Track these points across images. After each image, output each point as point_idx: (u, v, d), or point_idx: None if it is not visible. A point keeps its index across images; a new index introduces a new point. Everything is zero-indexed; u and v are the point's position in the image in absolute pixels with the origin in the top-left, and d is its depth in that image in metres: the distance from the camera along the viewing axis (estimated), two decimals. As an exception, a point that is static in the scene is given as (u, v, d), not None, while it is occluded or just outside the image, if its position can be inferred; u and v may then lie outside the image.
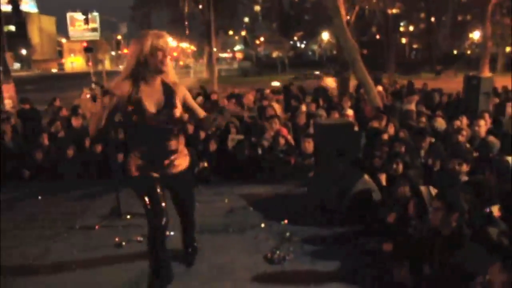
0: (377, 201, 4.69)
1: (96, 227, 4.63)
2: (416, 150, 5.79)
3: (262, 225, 4.55)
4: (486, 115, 6.86)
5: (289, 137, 6.92)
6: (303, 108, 9.01)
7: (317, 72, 27.27)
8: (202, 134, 7.00)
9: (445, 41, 42.69)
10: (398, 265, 3.39)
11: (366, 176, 4.87)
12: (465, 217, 3.36)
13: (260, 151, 6.61)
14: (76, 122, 7.66)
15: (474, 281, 2.71)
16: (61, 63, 70.45)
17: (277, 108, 8.72)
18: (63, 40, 70.94)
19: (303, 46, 63.08)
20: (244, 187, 5.80)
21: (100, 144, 6.51)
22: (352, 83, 13.93)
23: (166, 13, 38.94)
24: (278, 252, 3.87)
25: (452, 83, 17.83)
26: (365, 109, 9.19)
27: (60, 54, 73.54)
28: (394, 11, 31.11)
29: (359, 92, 10.97)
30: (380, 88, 11.07)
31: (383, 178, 5.03)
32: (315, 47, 61.84)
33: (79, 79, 29.15)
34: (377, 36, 39.16)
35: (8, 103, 13.22)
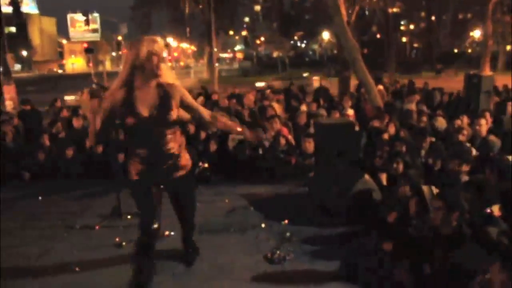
0: (377, 200, 4.68)
1: (97, 227, 4.63)
2: (417, 149, 5.78)
3: (263, 225, 4.55)
4: (487, 114, 6.84)
5: (290, 137, 6.92)
6: (304, 108, 9.01)
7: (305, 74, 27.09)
8: (203, 134, 7.00)
9: (445, 39, 42.63)
10: (398, 265, 3.39)
11: (366, 176, 4.87)
12: (466, 216, 3.36)
13: (260, 151, 6.60)
14: (77, 122, 7.68)
15: (474, 281, 2.71)
16: (62, 64, 70.56)
17: (277, 108, 8.71)
18: (64, 41, 71.07)
19: (303, 45, 63.06)
20: (244, 187, 5.79)
21: (101, 145, 6.52)
22: (353, 82, 13.92)
23: (166, 14, 38.99)
24: (278, 252, 3.87)
25: (452, 82, 17.80)
26: (366, 109, 9.18)
27: (61, 55, 73.67)
28: (395, 10, 31.07)
29: (360, 91, 10.95)
30: (380, 87, 11.05)
31: (383, 177, 5.02)
32: (315, 46, 61.81)
33: (80, 80, 29.18)
34: (378, 35, 39.09)
35: (9, 104, 13.27)
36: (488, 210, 3.62)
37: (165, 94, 3.04)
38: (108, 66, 51.39)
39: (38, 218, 5.00)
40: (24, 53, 61.47)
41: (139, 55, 2.90)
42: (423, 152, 5.76)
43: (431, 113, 8.34)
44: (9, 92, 13.66)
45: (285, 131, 6.98)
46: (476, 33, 40.09)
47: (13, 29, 54.20)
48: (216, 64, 26.63)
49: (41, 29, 67.24)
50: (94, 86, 2.98)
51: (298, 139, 6.84)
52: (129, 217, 4.79)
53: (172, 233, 4.24)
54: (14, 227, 4.69)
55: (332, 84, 15.55)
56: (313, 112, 8.49)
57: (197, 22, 35.37)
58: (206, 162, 6.28)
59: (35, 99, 11.03)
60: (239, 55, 61.93)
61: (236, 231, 4.43)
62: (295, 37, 54.75)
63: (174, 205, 3.45)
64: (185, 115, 3.27)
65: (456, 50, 46.93)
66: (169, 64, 43.64)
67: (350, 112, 8.77)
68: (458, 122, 6.87)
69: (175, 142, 3.14)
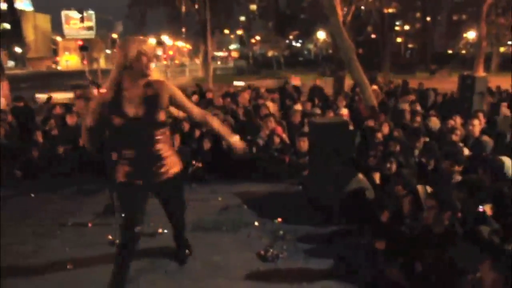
0: (370, 199, 4.70)
1: (89, 224, 4.62)
2: (411, 149, 5.80)
3: (256, 223, 4.55)
4: (480, 115, 6.88)
5: (284, 136, 6.93)
6: (298, 107, 9.02)
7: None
8: (197, 132, 6.99)
9: (440, 40, 42.83)
10: (391, 263, 3.40)
11: (360, 175, 4.88)
12: (458, 215, 3.38)
13: (254, 150, 6.60)
14: (70, 120, 7.63)
15: (465, 279, 2.73)
16: (56, 61, 70.18)
17: (272, 107, 8.72)
18: (58, 38, 70.69)
19: (298, 45, 63.10)
20: (238, 185, 5.79)
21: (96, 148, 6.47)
22: (348, 82, 13.95)
23: (162, 12, 38.84)
24: (271, 250, 3.88)
25: (446, 83, 17.88)
26: (360, 108, 9.21)
27: (55, 52, 73.25)
28: (390, 10, 31.15)
29: (355, 91, 10.98)
30: (375, 87, 11.09)
31: (377, 177, 5.04)
32: (310, 46, 61.88)
33: (74, 77, 29.03)
34: (373, 36, 39.20)
35: (2, 101, 13.15)
36: (481, 209, 3.64)
37: (153, 93, 3.00)
38: (102, 63, 51.13)
39: (31, 215, 4.97)
40: (18, 50, 61.10)
41: (128, 55, 2.87)
42: (416, 152, 5.78)
43: (425, 113, 8.38)
44: (2, 89, 13.55)
45: (279, 129, 6.99)
46: (470, 35, 40.29)
47: (7, 25, 53.85)
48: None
49: (35, 26, 66.88)
50: (86, 76, 2.94)
51: (293, 138, 6.84)
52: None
53: (165, 230, 4.23)
54: (7, 225, 4.65)
55: (327, 84, 15.57)
56: (307, 111, 8.50)
57: (192, 21, 35.27)
58: (200, 161, 6.27)
59: (29, 96, 10.97)
60: (234, 54, 61.86)
61: (229, 229, 4.43)
62: (291, 37, 54.79)
63: (163, 206, 3.43)
64: (180, 113, 3.25)
65: (450, 51, 47.16)
66: (164, 62, 43.53)
67: (344, 111, 8.80)
68: (451, 122, 6.91)
69: (163, 144, 3.09)
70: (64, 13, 31.69)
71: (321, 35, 48.24)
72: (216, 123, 3.29)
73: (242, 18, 53.99)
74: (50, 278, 3.58)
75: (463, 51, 47.23)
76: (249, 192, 5.53)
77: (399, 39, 46.93)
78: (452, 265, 2.93)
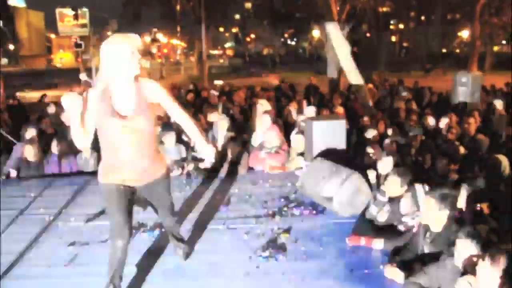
0: (367, 198, 4.69)
1: (86, 223, 4.58)
2: (407, 147, 5.82)
3: (254, 222, 4.53)
4: (476, 113, 6.94)
5: (280, 135, 6.91)
6: (294, 105, 9.01)
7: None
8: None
9: (434, 39, 42.97)
10: (389, 262, 3.41)
11: (356, 174, 4.88)
12: (455, 214, 3.39)
13: (251, 149, 6.59)
14: (66, 118, 7.58)
15: (463, 278, 2.73)
16: (50, 59, 69.70)
17: (267, 105, 8.70)
18: (52, 36, 70.15)
19: (293, 43, 63.08)
20: (236, 183, 5.77)
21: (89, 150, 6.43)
22: (343, 80, 13.96)
23: (156, 10, 38.68)
24: (269, 249, 3.86)
25: (440, 82, 17.96)
26: (356, 107, 9.23)
27: (49, 50, 72.72)
28: (385, 9, 31.24)
29: (350, 90, 11.01)
30: (370, 85, 11.12)
31: (373, 175, 5.04)
32: (305, 44, 61.90)
33: (68, 75, 28.88)
34: (368, 34, 39.27)
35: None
36: (478, 208, 3.66)
37: (143, 92, 2.95)
38: (97, 61, 50.74)
39: (27, 215, 4.93)
40: (11, 47, 60.60)
41: (118, 53, 2.81)
42: (413, 150, 5.80)
43: (420, 111, 8.41)
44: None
45: (275, 128, 6.97)
46: (464, 34, 40.44)
47: (-1, 22, 53.38)
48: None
49: (29, 23, 66.30)
50: (82, 75, 2.90)
51: (289, 136, 6.83)
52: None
53: (163, 229, 4.21)
54: (2, 225, 4.61)
55: (323, 82, 15.57)
56: (303, 110, 8.49)
57: (187, 19, 35.16)
58: (197, 159, 6.25)
59: (22, 94, 10.89)
60: (229, 52, 61.76)
61: (227, 228, 4.42)
62: (286, 35, 54.78)
63: (152, 207, 3.40)
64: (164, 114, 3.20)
65: (444, 50, 47.33)
66: (159, 60, 43.34)
67: (340, 109, 8.80)
68: (447, 120, 6.94)
69: (149, 146, 3.04)
70: (58, 10, 31.45)
71: (316, 33, 48.27)
72: (196, 130, 3.21)
73: (237, 16, 53.89)
74: (46, 278, 3.55)
75: (457, 50, 47.41)
76: (247, 190, 5.51)
77: (393, 38, 47.05)
78: (450, 265, 2.94)
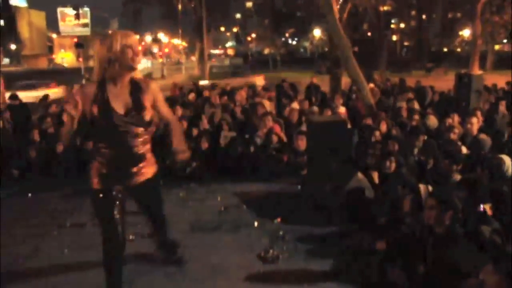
0: (370, 198, 4.69)
1: (88, 225, 4.57)
2: (410, 147, 5.80)
3: (255, 223, 4.52)
4: (478, 113, 6.90)
5: (282, 135, 6.91)
6: (296, 105, 9.00)
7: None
8: (195, 131, 6.96)
9: (435, 38, 42.90)
10: (392, 264, 3.39)
11: (359, 174, 4.87)
12: (459, 215, 3.37)
13: (252, 149, 6.58)
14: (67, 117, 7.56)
15: (467, 281, 2.72)
16: (52, 58, 69.76)
17: (268, 105, 8.69)
18: (54, 35, 70.19)
19: (294, 43, 63.05)
20: (237, 185, 5.77)
21: (91, 141, 6.43)
22: (344, 80, 13.93)
23: (157, 9, 38.72)
24: (271, 251, 3.86)
25: (442, 81, 17.91)
26: (359, 106, 9.20)
27: (51, 49, 72.78)
28: (386, 8, 31.14)
29: (352, 89, 10.98)
30: (372, 85, 11.08)
31: (375, 176, 5.03)
32: (306, 44, 61.84)
33: (70, 74, 28.89)
34: (368, 34, 39.20)
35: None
36: (481, 209, 3.64)
37: (139, 91, 2.90)
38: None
39: (28, 216, 4.92)
40: (13, 46, 60.65)
41: (113, 49, 2.76)
42: (416, 151, 5.78)
43: (422, 111, 8.38)
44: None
45: (277, 128, 6.96)
46: (466, 32, 40.38)
47: (1, 22, 53.40)
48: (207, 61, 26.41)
49: (30, 23, 66.32)
50: (84, 81, 2.83)
51: (291, 136, 6.82)
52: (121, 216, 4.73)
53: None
54: (4, 226, 4.60)
55: (323, 81, 15.55)
56: (305, 110, 8.48)
57: (188, 18, 35.19)
58: (198, 162, 6.24)
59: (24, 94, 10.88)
60: (230, 52, 61.70)
61: (228, 230, 4.41)
62: (287, 34, 54.72)
63: (142, 210, 3.29)
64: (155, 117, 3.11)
65: (445, 49, 47.27)
66: (160, 60, 43.34)
67: (342, 109, 8.79)
68: (449, 120, 6.91)
69: (144, 146, 2.98)
70: (59, 9, 31.52)
71: (317, 33, 48.26)
72: (178, 131, 3.21)
73: (238, 16, 53.88)
74: (48, 281, 3.54)
75: (458, 49, 47.36)
76: (247, 192, 5.51)
77: (394, 37, 46.99)
78: (453, 266, 2.92)
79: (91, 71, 3.48)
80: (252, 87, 12.07)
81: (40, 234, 4.40)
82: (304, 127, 6.79)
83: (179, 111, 8.05)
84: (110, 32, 2.90)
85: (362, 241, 3.87)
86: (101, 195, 2.95)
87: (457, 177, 4.66)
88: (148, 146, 3.03)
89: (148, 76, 30.25)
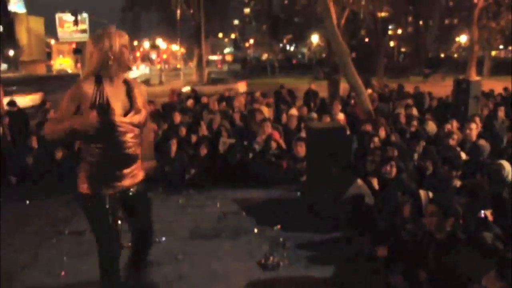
0: (370, 205, 4.68)
1: (87, 232, 4.54)
2: (410, 153, 5.80)
3: (255, 230, 4.51)
4: (477, 119, 6.92)
5: (281, 141, 6.90)
6: (295, 111, 9.00)
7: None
8: (194, 138, 6.95)
9: (432, 44, 43.08)
10: (393, 270, 3.38)
11: (359, 180, 4.86)
12: (460, 221, 3.37)
13: (251, 155, 6.57)
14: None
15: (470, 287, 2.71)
16: (50, 65, 69.76)
17: (267, 112, 8.69)
18: (52, 41, 70.21)
19: (292, 49, 63.23)
20: (236, 191, 5.75)
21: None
22: (342, 86, 13.96)
23: (156, 15, 38.78)
24: (272, 257, 3.84)
25: (439, 87, 17.97)
26: (357, 112, 9.21)
27: (49, 55, 72.77)
28: (383, 14, 31.27)
29: (350, 95, 11.00)
30: (370, 91, 11.11)
31: (375, 182, 5.02)
32: (304, 50, 62.00)
33: (68, 81, 28.88)
34: (366, 40, 39.36)
35: None
36: (482, 215, 3.63)
37: (133, 91, 2.86)
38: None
39: (27, 223, 4.89)
40: (11, 52, 60.62)
41: (112, 47, 2.71)
42: (416, 156, 5.78)
43: (421, 117, 8.40)
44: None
45: (276, 134, 6.96)
46: (462, 38, 40.55)
47: (-1, 28, 53.41)
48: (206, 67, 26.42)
49: (29, 29, 66.29)
50: None
51: (290, 143, 6.82)
52: (119, 222, 4.70)
53: (163, 238, 4.19)
54: (2, 233, 4.57)
55: (322, 87, 15.57)
56: (304, 116, 8.48)
57: (187, 24, 35.26)
58: (196, 167, 6.23)
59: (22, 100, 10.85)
60: (228, 58, 61.84)
61: (228, 237, 4.39)
62: (284, 40, 54.89)
63: (130, 216, 3.09)
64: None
65: (442, 55, 47.48)
66: (158, 66, 43.37)
67: (341, 116, 8.79)
68: (448, 126, 6.93)
69: (138, 145, 2.91)
70: (58, 15, 31.55)
71: (315, 39, 48.41)
72: (148, 140, 3.13)
73: (236, 22, 54.07)
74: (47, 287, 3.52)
75: (455, 55, 47.56)
76: (247, 198, 5.50)
77: (392, 43, 47.19)
78: (455, 271, 2.91)
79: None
80: (250, 93, 12.07)
81: (40, 242, 4.37)
82: (303, 134, 6.78)
83: (178, 117, 8.04)
84: (103, 30, 2.77)
85: (362, 247, 3.85)
86: (92, 201, 2.86)
87: (457, 183, 4.66)
88: (140, 148, 2.96)
89: (146, 82, 30.27)
